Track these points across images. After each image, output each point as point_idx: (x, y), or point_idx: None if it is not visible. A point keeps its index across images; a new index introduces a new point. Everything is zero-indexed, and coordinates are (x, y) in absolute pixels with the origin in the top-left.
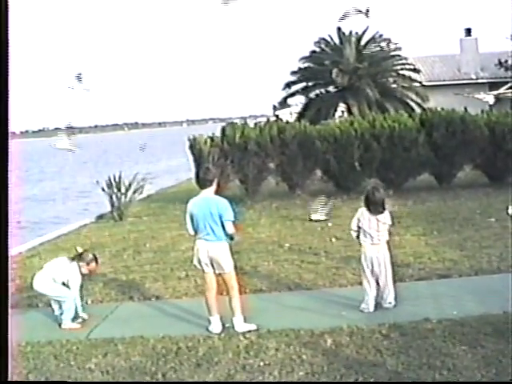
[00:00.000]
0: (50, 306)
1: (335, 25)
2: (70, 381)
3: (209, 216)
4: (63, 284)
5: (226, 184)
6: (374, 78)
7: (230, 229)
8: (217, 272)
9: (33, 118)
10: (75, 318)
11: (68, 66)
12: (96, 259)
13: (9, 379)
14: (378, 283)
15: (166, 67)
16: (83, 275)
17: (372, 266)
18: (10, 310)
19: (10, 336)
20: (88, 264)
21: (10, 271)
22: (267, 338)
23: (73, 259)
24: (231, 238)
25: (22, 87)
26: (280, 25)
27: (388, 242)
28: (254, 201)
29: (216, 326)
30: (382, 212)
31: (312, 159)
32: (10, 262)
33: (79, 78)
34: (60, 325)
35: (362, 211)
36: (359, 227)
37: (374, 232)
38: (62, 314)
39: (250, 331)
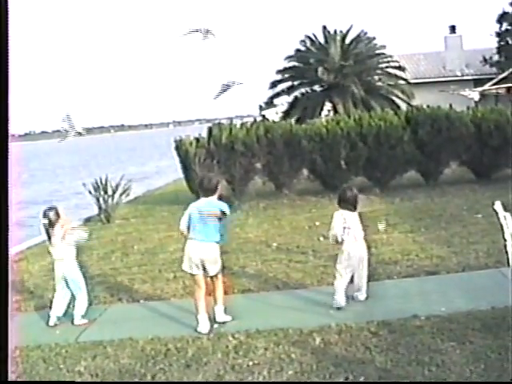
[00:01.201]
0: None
1: (320, 23)
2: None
3: (205, 217)
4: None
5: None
6: (359, 76)
7: (217, 226)
8: (206, 273)
9: (19, 121)
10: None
11: (54, 69)
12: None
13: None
14: (352, 280)
15: (152, 69)
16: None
17: (349, 263)
18: (10, 310)
19: (9, 336)
20: (59, 217)
21: (10, 272)
22: (256, 338)
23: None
24: (217, 239)
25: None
26: (265, 23)
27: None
28: (241, 201)
29: (204, 326)
30: (354, 210)
31: (298, 159)
32: (10, 264)
33: (70, 123)
34: (72, 321)
35: (341, 212)
36: (344, 227)
37: (355, 230)
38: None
39: (238, 331)
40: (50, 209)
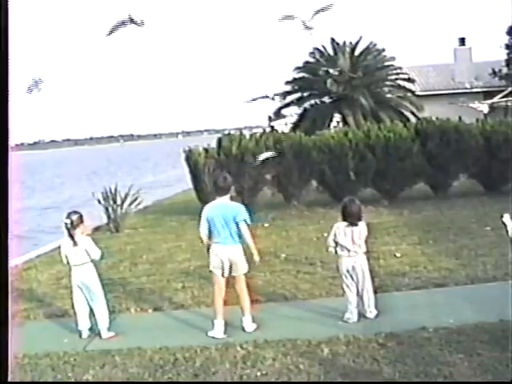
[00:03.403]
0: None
1: (329, 35)
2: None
3: (226, 220)
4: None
5: None
6: (368, 88)
7: (244, 229)
8: (232, 274)
9: (28, 130)
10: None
11: (63, 77)
12: (81, 216)
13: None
14: (358, 293)
15: (162, 79)
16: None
17: (350, 277)
18: (10, 310)
19: (10, 336)
20: (82, 223)
21: (10, 272)
22: (264, 348)
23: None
24: (244, 240)
25: (17, 100)
26: (274, 35)
27: (366, 253)
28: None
29: (219, 330)
30: (357, 224)
31: (307, 170)
32: (10, 267)
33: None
34: (100, 335)
35: (338, 225)
36: (336, 242)
37: (350, 244)
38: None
39: (246, 342)
40: (75, 212)
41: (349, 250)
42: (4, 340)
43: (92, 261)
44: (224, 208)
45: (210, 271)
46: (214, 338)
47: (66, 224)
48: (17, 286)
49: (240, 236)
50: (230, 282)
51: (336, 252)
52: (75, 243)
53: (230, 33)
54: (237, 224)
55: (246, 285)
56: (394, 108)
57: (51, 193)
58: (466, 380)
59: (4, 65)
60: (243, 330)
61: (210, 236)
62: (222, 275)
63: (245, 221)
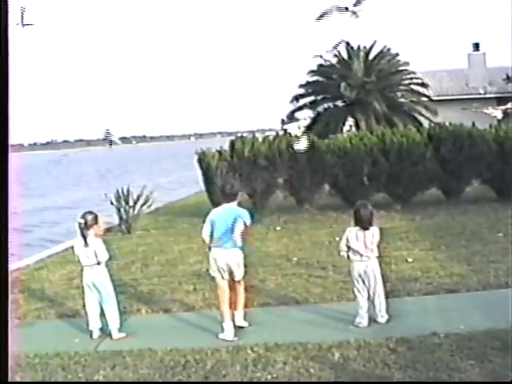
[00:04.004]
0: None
1: (344, 39)
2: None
3: (229, 224)
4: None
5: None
6: (382, 93)
7: (239, 227)
8: (232, 277)
9: (41, 130)
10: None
11: (76, 78)
12: (95, 216)
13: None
14: (369, 298)
15: (175, 81)
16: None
17: (362, 282)
18: (9, 310)
19: (9, 337)
20: (96, 223)
21: (9, 273)
22: (275, 352)
23: (83, 236)
24: (240, 245)
25: (30, 99)
26: (288, 38)
27: (378, 258)
28: (261, 215)
29: (229, 333)
30: (368, 228)
31: (320, 173)
32: (9, 266)
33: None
34: (110, 336)
35: (350, 230)
36: (348, 246)
37: (362, 249)
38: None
39: (257, 345)
40: (90, 213)
41: (361, 255)
42: (4, 340)
43: (100, 263)
44: (228, 212)
45: (210, 274)
46: (224, 340)
47: (80, 224)
48: (28, 285)
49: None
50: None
51: (348, 257)
52: (86, 244)
53: (246, 35)
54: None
55: (246, 289)
56: (407, 113)
57: (65, 192)
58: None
59: (4, 65)
60: (239, 326)
61: (211, 239)
62: (222, 278)
63: (244, 222)
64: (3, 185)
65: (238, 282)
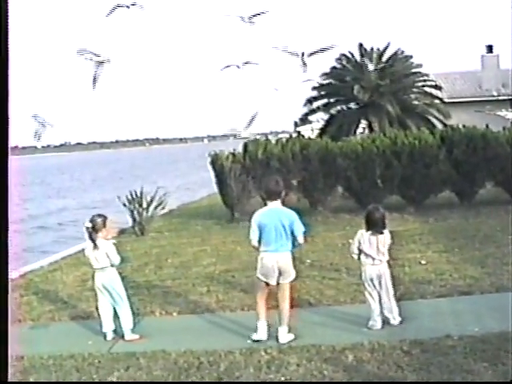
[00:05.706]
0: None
1: (357, 41)
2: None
3: (280, 227)
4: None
5: (248, 199)
6: (395, 95)
7: (301, 239)
8: (280, 282)
9: (54, 132)
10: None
11: (89, 81)
12: (104, 219)
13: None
14: (380, 300)
15: (188, 83)
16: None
17: (373, 285)
18: (9, 310)
19: (9, 337)
20: (104, 227)
21: (9, 273)
22: (288, 354)
23: (92, 239)
24: (296, 246)
25: (42, 101)
26: (300, 39)
27: (389, 261)
28: None
29: (262, 332)
30: (382, 232)
31: (333, 176)
32: (8, 267)
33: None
34: (123, 336)
35: (362, 233)
36: (360, 250)
37: (375, 253)
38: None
39: (271, 347)
40: (99, 215)
41: (373, 259)
42: (4, 340)
43: (112, 265)
44: (279, 214)
45: (258, 278)
46: (259, 340)
47: (88, 227)
48: (42, 287)
49: (293, 243)
50: (273, 289)
51: (359, 259)
52: (95, 247)
53: (257, 38)
54: (292, 232)
55: (290, 294)
56: (420, 115)
57: (76, 194)
58: None
59: (4, 65)
60: (277, 340)
61: (259, 243)
62: (268, 284)
63: (304, 232)
64: (3, 189)
65: (284, 286)
